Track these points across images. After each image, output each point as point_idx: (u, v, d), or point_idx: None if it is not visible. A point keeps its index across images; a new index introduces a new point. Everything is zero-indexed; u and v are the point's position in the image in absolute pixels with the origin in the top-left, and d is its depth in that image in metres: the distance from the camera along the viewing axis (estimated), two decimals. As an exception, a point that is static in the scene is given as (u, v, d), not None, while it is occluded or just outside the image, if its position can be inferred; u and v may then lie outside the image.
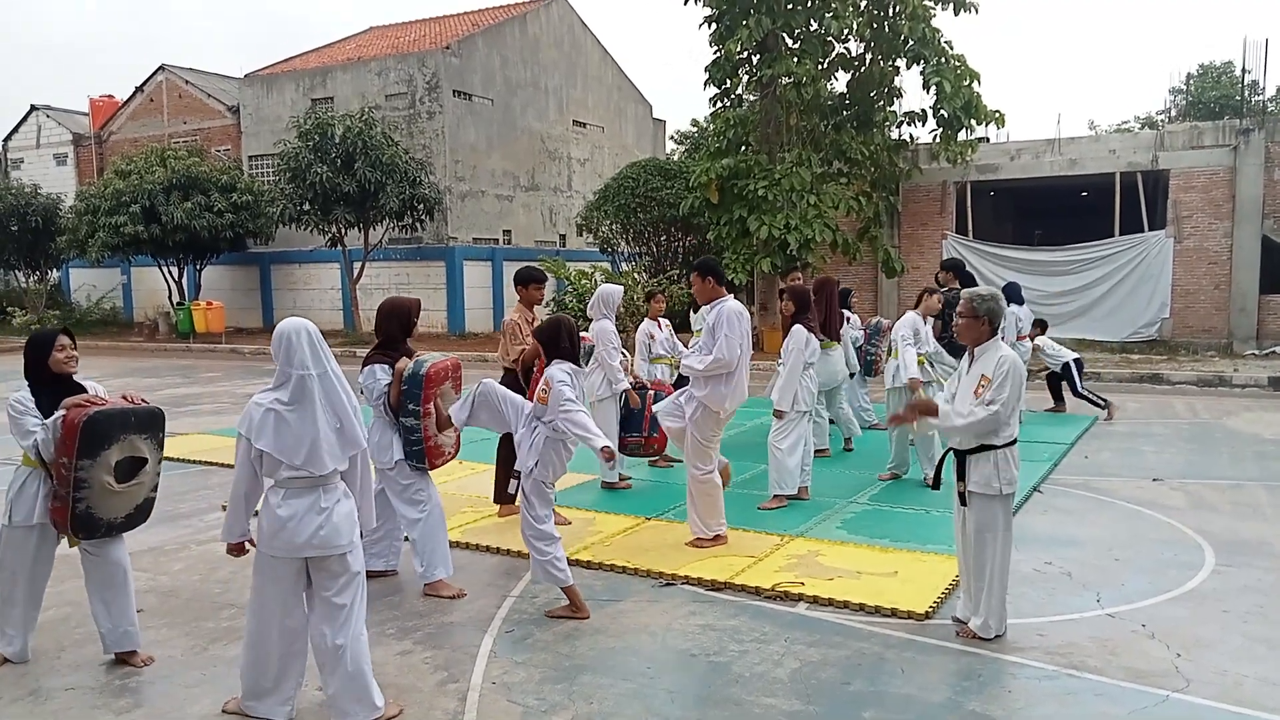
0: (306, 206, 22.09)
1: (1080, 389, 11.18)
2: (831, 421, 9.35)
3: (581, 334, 6.11)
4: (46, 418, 4.13)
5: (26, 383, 4.27)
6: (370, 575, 5.50)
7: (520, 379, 6.42)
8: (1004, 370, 4.37)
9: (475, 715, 3.83)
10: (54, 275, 30.66)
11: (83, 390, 4.27)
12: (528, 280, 6.67)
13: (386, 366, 5.24)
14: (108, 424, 4.04)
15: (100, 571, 4.30)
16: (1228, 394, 13.40)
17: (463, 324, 24.62)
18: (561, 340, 5.08)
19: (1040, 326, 11.67)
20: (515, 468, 5.11)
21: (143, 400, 4.28)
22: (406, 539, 5.52)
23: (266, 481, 3.69)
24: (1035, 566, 5.60)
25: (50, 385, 4.22)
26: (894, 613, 4.84)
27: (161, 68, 29.60)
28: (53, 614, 4.87)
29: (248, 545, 3.80)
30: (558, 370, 4.94)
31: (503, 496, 6.85)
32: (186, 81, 29.27)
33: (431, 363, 5.21)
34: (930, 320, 7.98)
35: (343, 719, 3.68)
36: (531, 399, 6.21)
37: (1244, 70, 23.07)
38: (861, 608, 4.91)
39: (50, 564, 4.39)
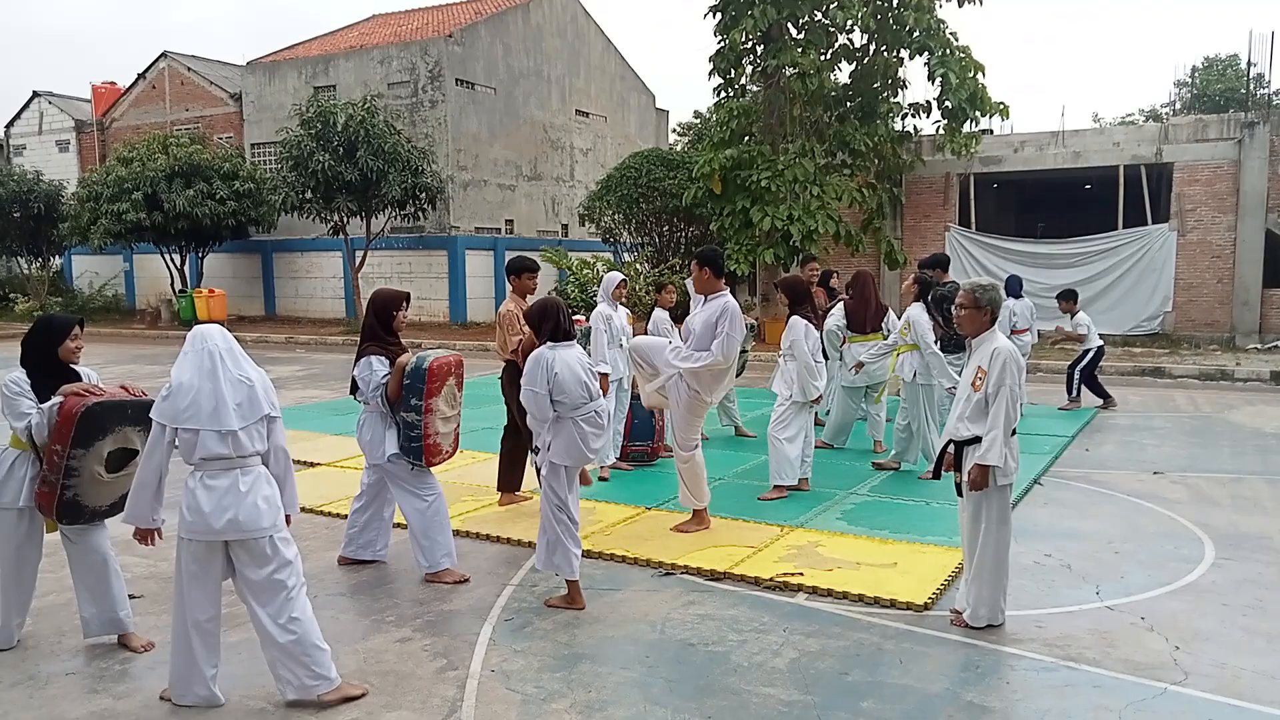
0: (309, 195, 22.04)
1: (1092, 375, 11.23)
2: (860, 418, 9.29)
3: (576, 317, 6.19)
4: (41, 401, 4.12)
5: (21, 365, 4.24)
6: (358, 563, 5.56)
7: (521, 367, 6.42)
8: (1000, 361, 4.38)
9: (474, 702, 3.84)
10: (56, 262, 30.64)
11: (79, 377, 4.26)
12: (520, 269, 6.67)
13: (384, 358, 5.17)
14: (104, 416, 4.04)
15: (83, 559, 4.32)
16: (1230, 388, 13.38)
17: (465, 313, 24.62)
18: (546, 321, 4.98)
19: (1072, 299, 11.40)
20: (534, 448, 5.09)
21: (141, 391, 4.28)
22: (398, 525, 5.53)
23: (185, 468, 3.74)
24: (1035, 559, 5.60)
25: (49, 370, 4.21)
26: (893, 604, 4.84)
27: (164, 54, 29.50)
28: (52, 599, 4.88)
29: (160, 534, 3.88)
30: (537, 351, 4.96)
31: (505, 485, 6.86)
32: (189, 69, 29.19)
33: (435, 358, 5.14)
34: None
35: (297, 693, 3.77)
36: None
37: (1249, 63, 23.01)
38: (860, 598, 4.91)
39: (39, 548, 4.38)
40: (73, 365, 4.29)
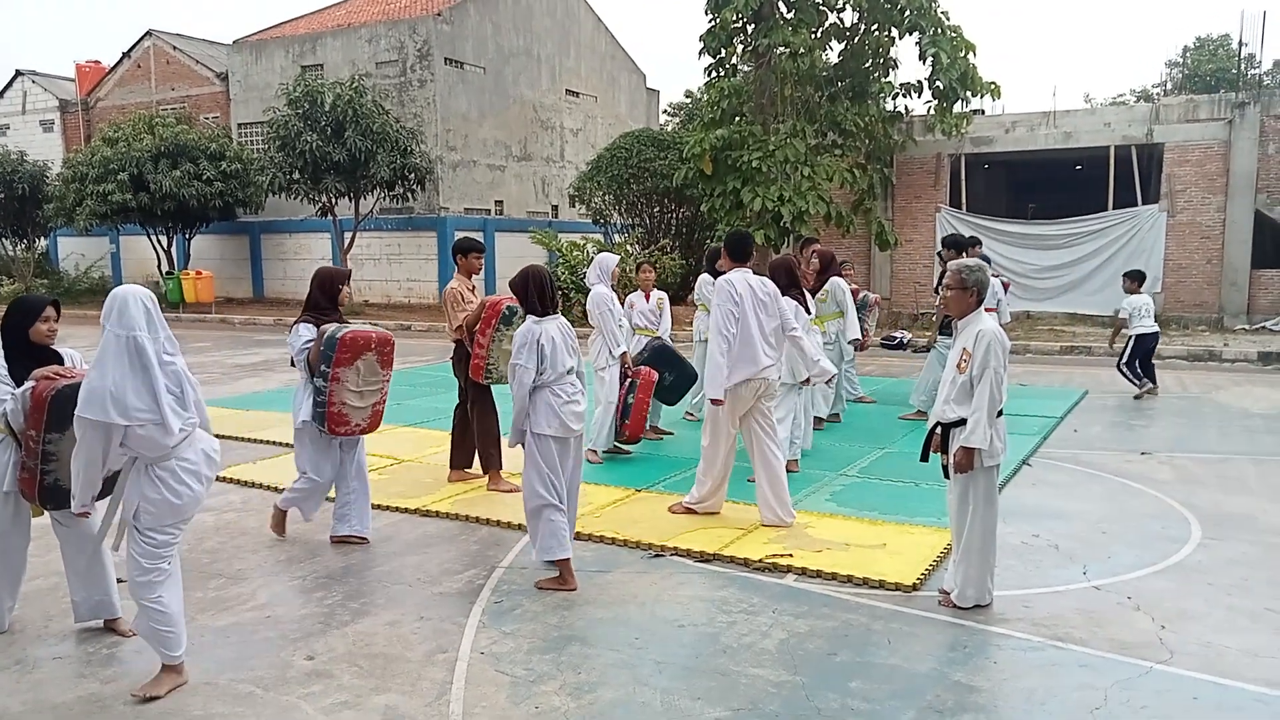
0: (296, 175, 21.87)
1: (1133, 364, 10.63)
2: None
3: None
4: (19, 385, 4.06)
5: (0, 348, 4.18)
6: (347, 543, 5.58)
7: (466, 345, 6.54)
8: (985, 343, 4.37)
9: (463, 685, 3.84)
10: (41, 244, 30.37)
11: (59, 359, 4.20)
12: (467, 250, 6.79)
13: (311, 326, 5.39)
14: (76, 399, 3.95)
15: (72, 542, 4.28)
16: (1217, 369, 13.45)
17: (454, 295, 24.53)
18: (529, 293, 4.94)
19: (1138, 280, 10.78)
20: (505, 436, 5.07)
21: None
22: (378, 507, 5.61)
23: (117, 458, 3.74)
24: (1023, 539, 5.62)
25: (26, 353, 4.13)
26: (881, 584, 4.86)
27: (149, 33, 29.17)
28: (40, 583, 4.86)
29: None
30: (524, 325, 4.90)
31: (456, 462, 7.00)
32: (174, 48, 28.86)
33: (349, 330, 5.30)
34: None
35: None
36: (479, 364, 6.30)
37: (1241, 43, 23.01)
38: (849, 579, 4.93)
39: (27, 531, 4.35)
40: (54, 348, 4.23)
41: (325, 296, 5.51)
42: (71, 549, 4.29)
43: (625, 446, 7.70)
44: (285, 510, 5.73)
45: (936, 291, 9.46)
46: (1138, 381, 10.68)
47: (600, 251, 17.38)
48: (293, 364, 5.50)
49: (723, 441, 5.88)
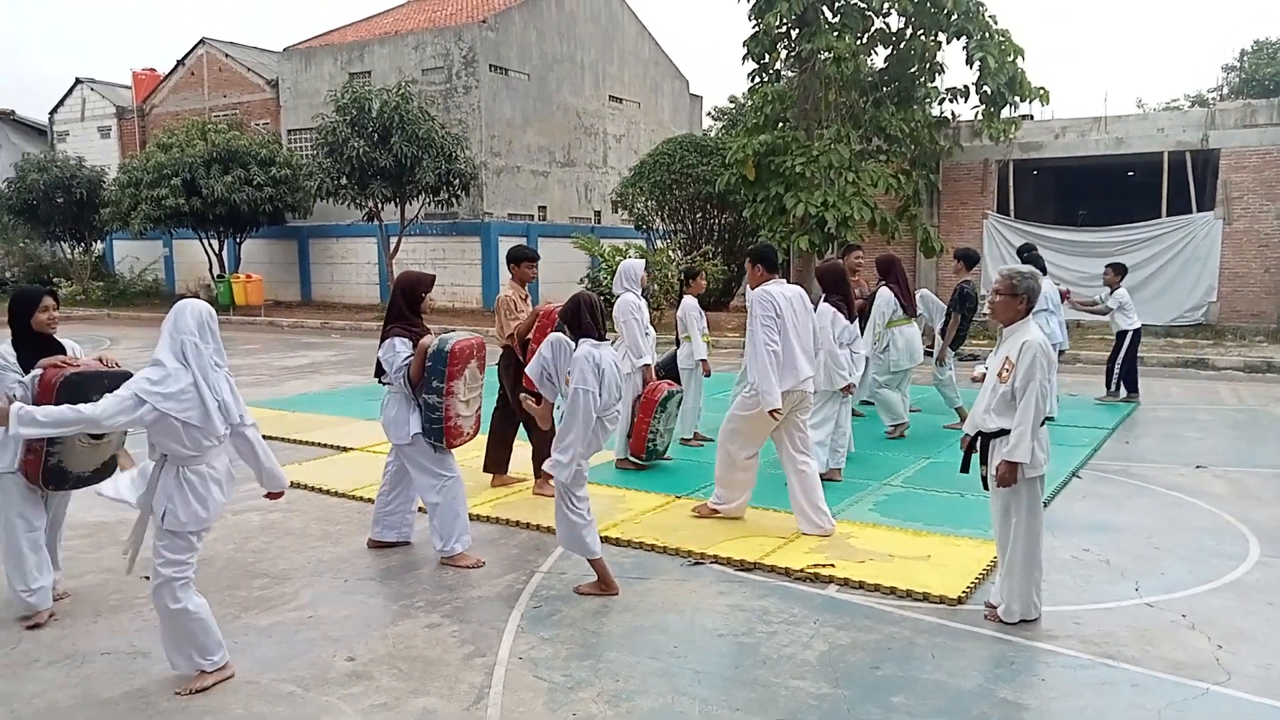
0: (344, 181, 22.16)
1: (1127, 364, 10.55)
2: (867, 402, 9.22)
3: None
4: (25, 373, 4.29)
5: (10, 338, 4.42)
6: (382, 546, 5.59)
7: (517, 353, 6.54)
8: (1030, 354, 4.25)
9: (501, 689, 3.83)
10: (98, 247, 31.14)
11: (61, 349, 4.45)
12: (520, 258, 6.79)
13: (407, 340, 5.24)
14: (83, 385, 4.19)
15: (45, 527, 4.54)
16: (1276, 380, 13.05)
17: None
18: (583, 317, 4.88)
19: (1120, 272, 10.81)
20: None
21: (115, 363, 4.47)
22: (421, 510, 5.58)
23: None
24: (1072, 553, 5.49)
25: (31, 343, 4.38)
26: (926, 597, 4.77)
27: (202, 41, 29.81)
28: (89, 579, 4.96)
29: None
30: (582, 348, 4.80)
31: (494, 466, 6.98)
32: (226, 55, 29.47)
33: (456, 340, 5.19)
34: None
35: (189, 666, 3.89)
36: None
37: (1301, 46, 22.32)
38: (893, 591, 4.84)
39: (43, 507, 4.50)
40: (54, 338, 4.46)
41: (409, 305, 5.31)
42: (46, 532, 4.51)
43: (665, 455, 7.68)
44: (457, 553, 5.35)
45: (953, 309, 9.15)
46: (1117, 385, 10.63)
47: (639, 257, 17.37)
48: (378, 377, 5.32)
49: (750, 445, 5.86)
